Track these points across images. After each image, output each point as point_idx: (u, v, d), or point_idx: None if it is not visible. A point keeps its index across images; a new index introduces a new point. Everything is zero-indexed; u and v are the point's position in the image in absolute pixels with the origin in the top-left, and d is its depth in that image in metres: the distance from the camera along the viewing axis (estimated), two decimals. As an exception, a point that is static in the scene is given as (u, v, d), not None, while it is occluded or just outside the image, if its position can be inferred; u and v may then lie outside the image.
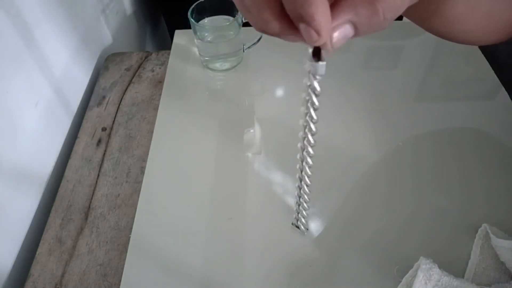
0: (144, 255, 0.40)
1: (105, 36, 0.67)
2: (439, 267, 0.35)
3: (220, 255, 0.40)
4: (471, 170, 0.45)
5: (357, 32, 0.19)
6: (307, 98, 0.24)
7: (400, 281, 0.36)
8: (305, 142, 0.28)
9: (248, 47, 0.57)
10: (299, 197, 0.35)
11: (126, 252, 0.40)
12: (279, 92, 0.56)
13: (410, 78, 0.56)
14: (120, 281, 0.38)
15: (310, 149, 0.28)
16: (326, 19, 0.17)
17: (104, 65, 0.61)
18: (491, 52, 0.58)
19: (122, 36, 0.74)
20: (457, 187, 0.44)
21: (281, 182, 0.45)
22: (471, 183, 0.44)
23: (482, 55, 0.58)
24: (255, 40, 0.56)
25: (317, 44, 0.19)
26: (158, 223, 0.42)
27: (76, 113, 0.56)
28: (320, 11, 0.17)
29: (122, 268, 0.39)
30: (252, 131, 0.50)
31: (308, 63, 0.21)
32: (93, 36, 0.63)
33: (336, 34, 0.18)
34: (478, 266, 0.37)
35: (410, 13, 0.28)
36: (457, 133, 0.49)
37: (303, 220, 0.39)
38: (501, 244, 0.36)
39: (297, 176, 0.32)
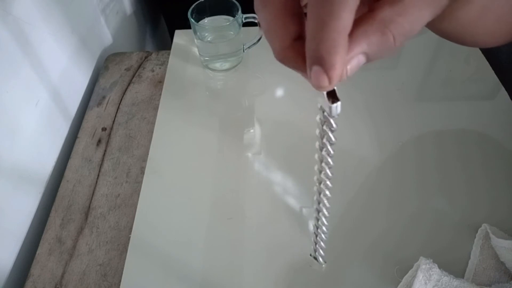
0: (144, 255, 0.40)
1: (105, 36, 0.67)
2: (439, 267, 0.35)
3: (220, 255, 0.40)
4: (471, 170, 0.45)
5: (368, 59, 0.19)
6: (323, 134, 0.24)
7: (400, 281, 0.36)
8: (322, 175, 0.28)
9: (248, 47, 0.57)
10: (317, 227, 0.34)
11: (126, 252, 0.40)
12: (279, 92, 0.56)
13: (410, 78, 0.56)
14: (120, 281, 0.38)
15: (328, 182, 0.28)
16: (343, 68, 0.18)
17: (104, 65, 0.61)
18: (491, 52, 0.58)
19: (122, 36, 0.74)
20: (457, 187, 0.44)
21: (281, 182, 0.45)
22: (472, 183, 0.44)
23: (482, 55, 0.58)
24: (255, 40, 0.56)
25: (321, 90, 0.19)
26: (158, 223, 0.42)
27: (76, 113, 0.56)
28: (342, 61, 0.17)
29: (122, 268, 0.39)
30: (252, 131, 0.50)
31: (322, 102, 0.21)
32: (93, 36, 0.63)
33: (350, 66, 0.18)
34: (478, 266, 0.37)
35: None
36: (457, 133, 0.49)
37: (321, 251, 0.37)
38: (501, 244, 0.37)
39: (315, 207, 0.32)
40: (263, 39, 0.56)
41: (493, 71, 0.55)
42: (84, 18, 0.59)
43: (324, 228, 0.33)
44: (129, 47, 0.78)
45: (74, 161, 0.49)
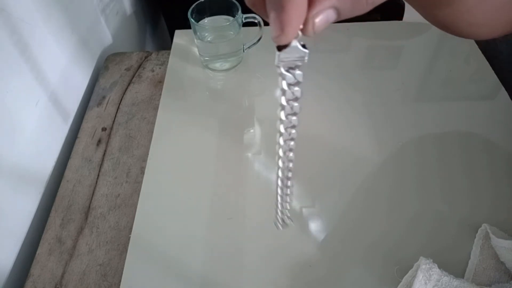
0: (144, 255, 0.40)
1: (105, 36, 0.67)
2: (439, 267, 0.35)
3: (220, 255, 0.40)
4: (471, 170, 0.45)
5: (339, 16, 0.18)
6: (293, 96, 0.21)
7: (400, 281, 0.36)
8: (288, 130, 0.24)
9: (248, 47, 0.57)
10: (282, 188, 0.32)
11: (126, 252, 0.40)
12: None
13: (410, 78, 0.56)
14: (120, 281, 0.38)
15: (294, 131, 0.26)
16: (298, 15, 0.16)
17: (104, 65, 0.61)
18: (491, 52, 0.58)
19: (122, 36, 0.74)
20: (457, 187, 0.44)
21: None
22: (471, 183, 0.44)
23: (482, 55, 0.58)
24: (255, 40, 0.56)
25: (277, 42, 0.17)
26: (158, 223, 0.42)
27: (76, 113, 0.56)
28: (295, 4, 0.16)
29: (122, 268, 0.39)
30: (252, 131, 0.50)
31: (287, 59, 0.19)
32: (93, 36, 0.63)
33: (318, 20, 0.17)
34: (478, 266, 0.37)
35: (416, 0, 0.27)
36: (457, 133, 0.49)
37: (287, 213, 0.36)
38: (501, 244, 0.37)
39: (279, 165, 0.29)
40: (263, 39, 0.56)
41: (493, 71, 0.55)
42: (84, 18, 0.59)
43: (289, 184, 0.30)
44: (129, 47, 0.78)
45: (74, 161, 0.49)
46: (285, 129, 0.24)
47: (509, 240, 0.36)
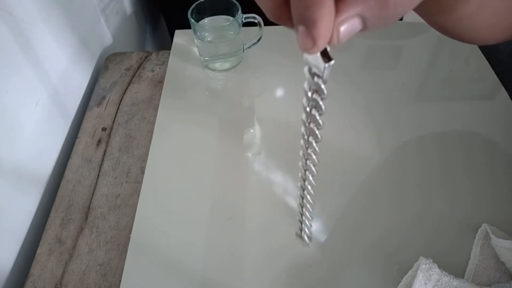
0: (144, 255, 0.40)
1: (105, 36, 0.67)
2: (439, 267, 0.35)
3: (220, 255, 0.40)
4: (471, 170, 0.45)
5: (365, 26, 0.17)
6: (312, 103, 0.22)
7: (400, 281, 0.36)
8: (308, 150, 0.26)
9: (248, 47, 0.57)
10: (302, 206, 0.34)
11: (126, 252, 0.40)
12: (279, 92, 0.56)
13: (410, 78, 0.56)
14: (120, 281, 0.38)
15: (314, 157, 0.27)
16: (328, 28, 0.16)
17: (104, 65, 0.61)
18: (491, 52, 0.58)
19: (122, 36, 0.74)
20: (457, 187, 0.44)
21: (281, 182, 0.45)
22: (472, 183, 0.44)
23: (482, 55, 0.58)
24: (255, 40, 0.56)
25: (308, 53, 0.18)
26: (158, 223, 0.42)
27: (76, 113, 0.56)
28: (326, 19, 0.16)
29: (122, 268, 0.39)
30: (252, 131, 0.50)
31: (313, 63, 0.19)
32: (93, 36, 0.63)
33: (343, 28, 0.17)
34: (478, 266, 0.37)
35: (419, 6, 0.27)
36: (457, 133, 0.49)
37: (306, 231, 0.37)
38: (501, 244, 0.37)
39: (299, 184, 0.31)
40: (263, 39, 0.56)
41: (493, 71, 0.55)
42: (84, 18, 0.59)
43: (309, 207, 0.32)
44: (129, 47, 0.78)
45: (74, 161, 0.49)
46: (306, 131, 0.25)
47: (509, 240, 0.36)
